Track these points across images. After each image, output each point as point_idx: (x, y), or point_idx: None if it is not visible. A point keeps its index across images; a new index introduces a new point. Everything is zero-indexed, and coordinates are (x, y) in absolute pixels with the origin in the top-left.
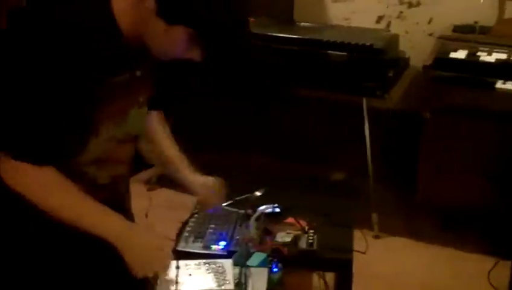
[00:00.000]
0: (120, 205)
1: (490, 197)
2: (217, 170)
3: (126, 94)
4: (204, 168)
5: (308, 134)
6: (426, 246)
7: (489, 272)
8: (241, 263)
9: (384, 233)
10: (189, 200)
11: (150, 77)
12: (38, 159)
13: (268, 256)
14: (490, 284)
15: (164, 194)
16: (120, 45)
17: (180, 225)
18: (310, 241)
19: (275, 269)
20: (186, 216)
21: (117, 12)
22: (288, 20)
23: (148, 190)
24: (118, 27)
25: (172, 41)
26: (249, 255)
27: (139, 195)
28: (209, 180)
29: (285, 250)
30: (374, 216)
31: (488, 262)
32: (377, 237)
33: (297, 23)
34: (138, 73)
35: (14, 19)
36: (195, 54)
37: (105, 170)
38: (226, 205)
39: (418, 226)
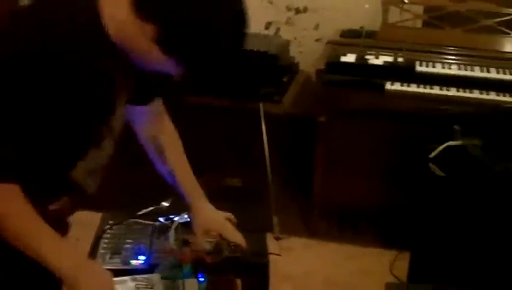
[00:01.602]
0: None
1: (384, 194)
2: (115, 183)
3: (115, 99)
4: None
5: (207, 142)
6: (326, 245)
7: (391, 264)
8: (170, 276)
9: (285, 234)
10: (83, 217)
11: (128, 76)
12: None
13: (192, 266)
14: (393, 275)
15: None
16: (109, 52)
17: (77, 242)
18: (232, 247)
19: (202, 279)
20: (82, 233)
21: (106, 18)
22: None
23: None
24: (104, 32)
25: (163, 66)
26: (175, 267)
27: None
28: (222, 214)
29: (208, 258)
30: (275, 219)
31: (388, 255)
32: (277, 238)
33: None
34: (119, 74)
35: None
36: (178, 75)
37: (94, 180)
38: (134, 217)
39: (317, 226)
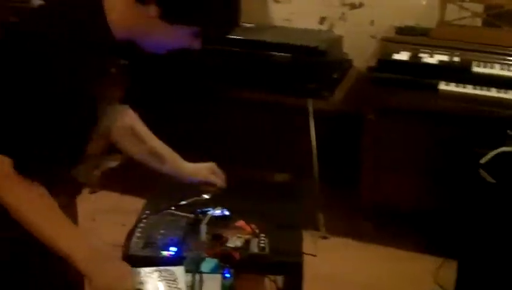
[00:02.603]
0: None
1: (432, 197)
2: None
3: (106, 91)
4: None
5: (254, 136)
6: (369, 246)
7: (436, 272)
8: (193, 269)
9: (330, 234)
10: (132, 204)
11: (122, 72)
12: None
13: (219, 261)
14: (437, 283)
15: (106, 197)
16: (109, 45)
17: (123, 228)
18: (262, 245)
19: (227, 275)
20: (129, 219)
21: (109, 14)
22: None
23: (90, 193)
24: (109, 29)
25: (176, 38)
26: (200, 261)
27: (81, 198)
28: (203, 164)
29: (236, 254)
30: (320, 217)
31: (433, 262)
32: (324, 237)
33: (240, 24)
34: (113, 70)
35: (10, 31)
36: (195, 44)
37: (84, 169)
38: (174, 209)
39: (362, 226)
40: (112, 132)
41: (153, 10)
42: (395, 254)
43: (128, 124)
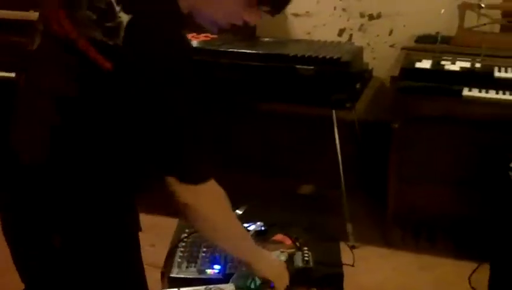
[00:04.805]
0: None
1: (461, 204)
2: None
3: None
4: None
5: (279, 149)
6: (402, 254)
7: (470, 276)
8: (244, 286)
9: (360, 243)
10: (160, 223)
11: None
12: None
13: None
14: (472, 287)
15: None
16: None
17: (152, 248)
18: (306, 258)
19: None
20: (158, 239)
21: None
22: (251, 36)
23: None
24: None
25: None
26: (248, 277)
27: None
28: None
29: None
30: (349, 227)
31: (466, 267)
32: (353, 247)
33: (261, 39)
34: None
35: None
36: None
37: None
38: None
39: (392, 234)
40: None
41: None
42: (426, 260)
43: None
